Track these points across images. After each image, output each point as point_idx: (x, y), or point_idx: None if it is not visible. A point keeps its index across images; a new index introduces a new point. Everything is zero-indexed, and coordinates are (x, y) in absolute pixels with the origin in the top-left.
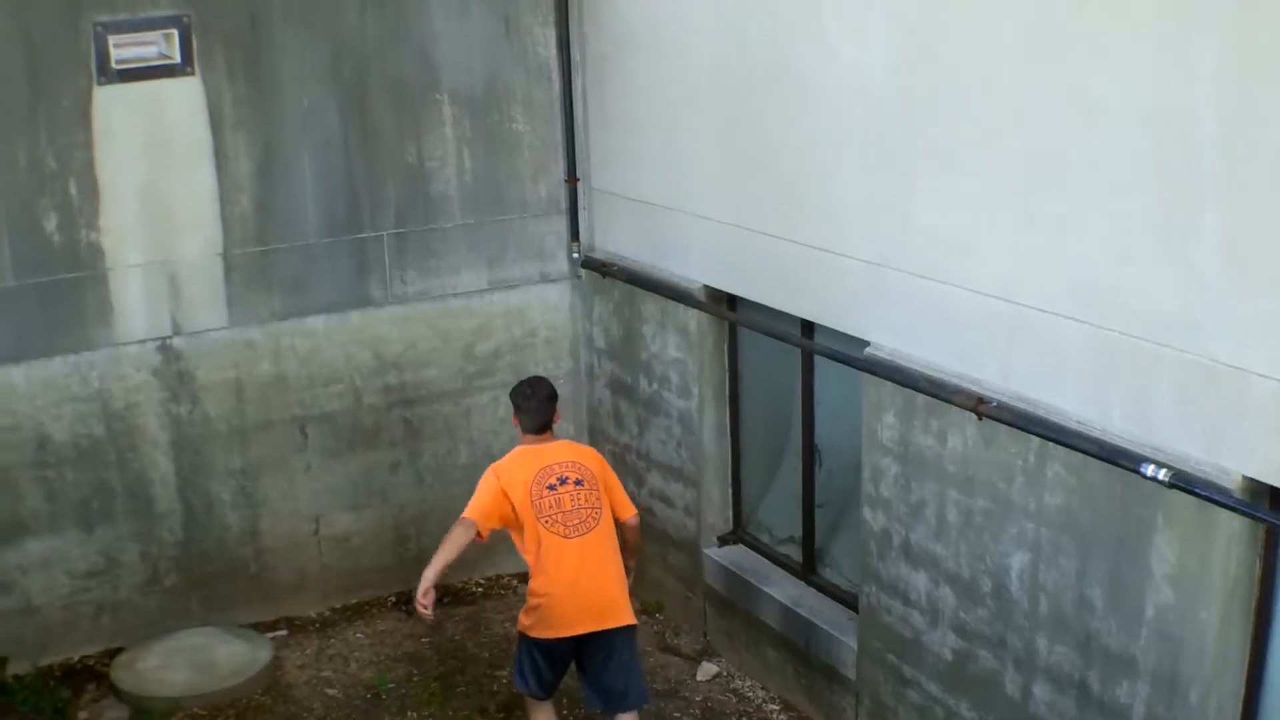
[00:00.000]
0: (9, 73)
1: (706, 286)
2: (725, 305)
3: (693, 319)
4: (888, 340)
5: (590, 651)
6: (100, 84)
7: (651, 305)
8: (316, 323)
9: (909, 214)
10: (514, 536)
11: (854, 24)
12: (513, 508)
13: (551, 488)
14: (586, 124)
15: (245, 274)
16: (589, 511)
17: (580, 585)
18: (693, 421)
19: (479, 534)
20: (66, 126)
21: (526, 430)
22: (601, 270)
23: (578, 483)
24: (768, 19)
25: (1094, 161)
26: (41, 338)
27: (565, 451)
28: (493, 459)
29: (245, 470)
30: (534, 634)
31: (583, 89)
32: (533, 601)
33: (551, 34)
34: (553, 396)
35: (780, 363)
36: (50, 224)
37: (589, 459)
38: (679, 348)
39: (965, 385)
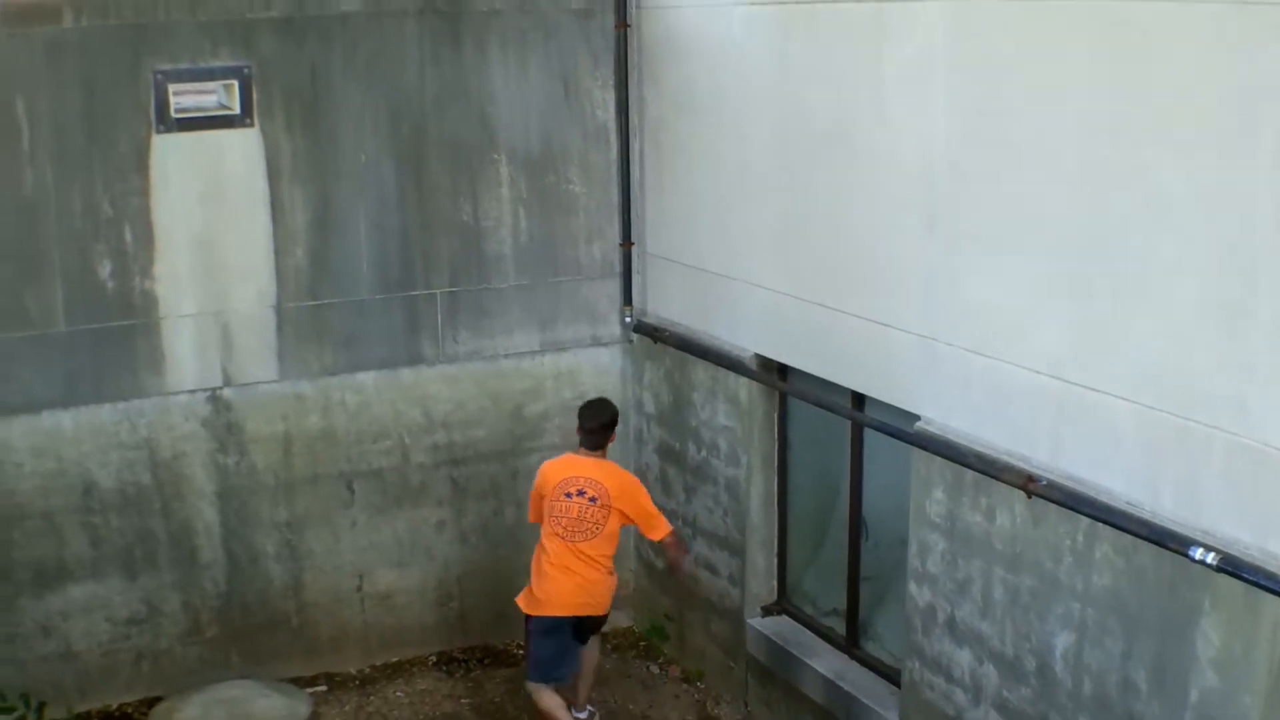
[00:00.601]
0: (68, 117)
1: (758, 355)
2: (776, 374)
3: (743, 387)
4: (938, 415)
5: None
6: (159, 132)
7: (702, 372)
8: (367, 379)
9: (964, 289)
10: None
11: (916, 97)
12: (540, 499)
13: (569, 495)
14: (643, 188)
15: (297, 327)
16: (590, 525)
17: (551, 575)
18: (740, 490)
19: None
20: (124, 173)
21: (580, 444)
22: (653, 335)
23: (591, 499)
24: (830, 90)
25: (1151, 242)
26: (92, 384)
27: (596, 470)
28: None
29: (290, 524)
30: (527, 610)
31: (640, 153)
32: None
33: (611, 97)
34: (608, 425)
35: (830, 434)
36: (104, 270)
37: (613, 483)
38: (729, 415)
39: (1015, 462)
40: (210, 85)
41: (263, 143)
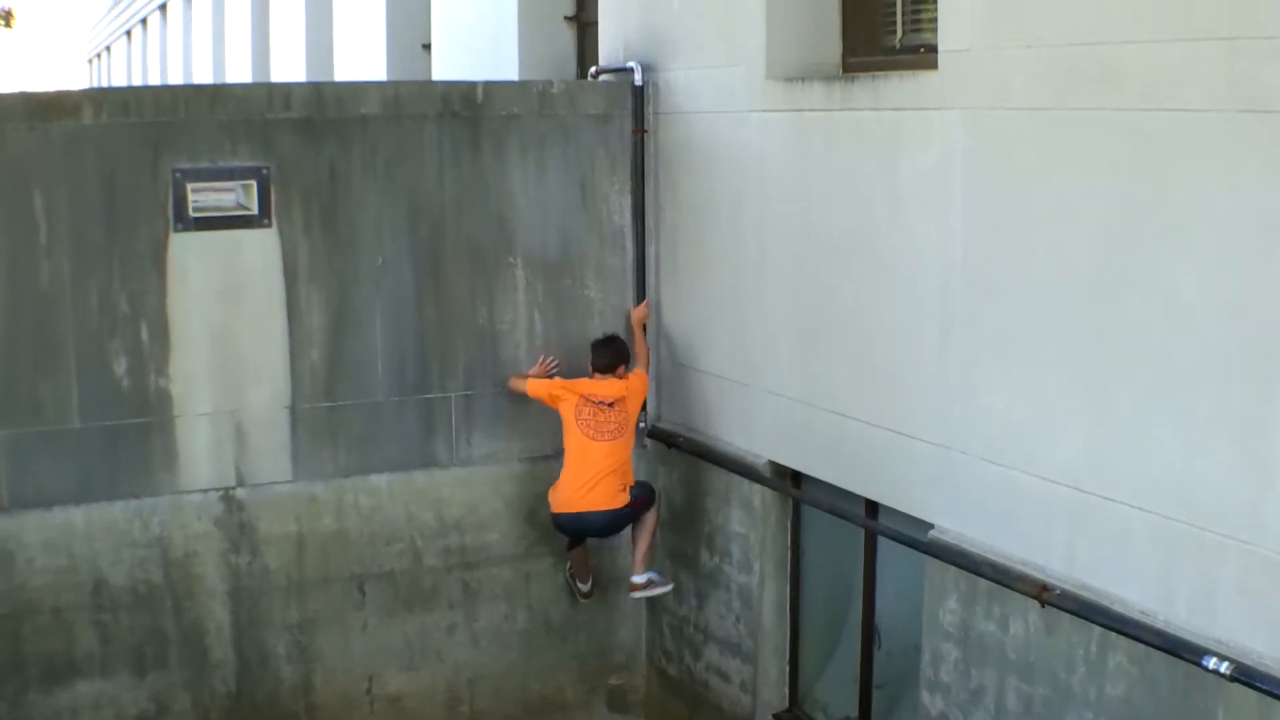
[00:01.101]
0: (87, 213)
1: (772, 462)
2: (790, 481)
3: (757, 494)
4: (952, 523)
5: (583, 533)
6: (177, 230)
7: (716, 478)
8: (380, 481)
9: (980, 398)
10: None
11: (934, 206)
12: (554, 398)
13: (594, 403)
14: (658, 293)
15: (312, 428)
16: (615, 427)
17: (585, 476)
18: (753, 596)
19: (526, 386)
20: (141, 270)
21: (595, 368)
22: (667, 441)
23: (611, 405)
24: (848, 197)
25: (1169, 352)
26: (105, 481)
27: (616, 386)
28: (550, 626)
29: (301, 625)
30: (553, 509)
31: (656, 258)
32: (559, 478)
33: (627, 201)
34: (619, 355)
35: (843, 541)
36: (120, 367)
37: (632, 390)
38: (742, 522)
39: (1029, 572)
40: (229, 184)
41: (280, 243)
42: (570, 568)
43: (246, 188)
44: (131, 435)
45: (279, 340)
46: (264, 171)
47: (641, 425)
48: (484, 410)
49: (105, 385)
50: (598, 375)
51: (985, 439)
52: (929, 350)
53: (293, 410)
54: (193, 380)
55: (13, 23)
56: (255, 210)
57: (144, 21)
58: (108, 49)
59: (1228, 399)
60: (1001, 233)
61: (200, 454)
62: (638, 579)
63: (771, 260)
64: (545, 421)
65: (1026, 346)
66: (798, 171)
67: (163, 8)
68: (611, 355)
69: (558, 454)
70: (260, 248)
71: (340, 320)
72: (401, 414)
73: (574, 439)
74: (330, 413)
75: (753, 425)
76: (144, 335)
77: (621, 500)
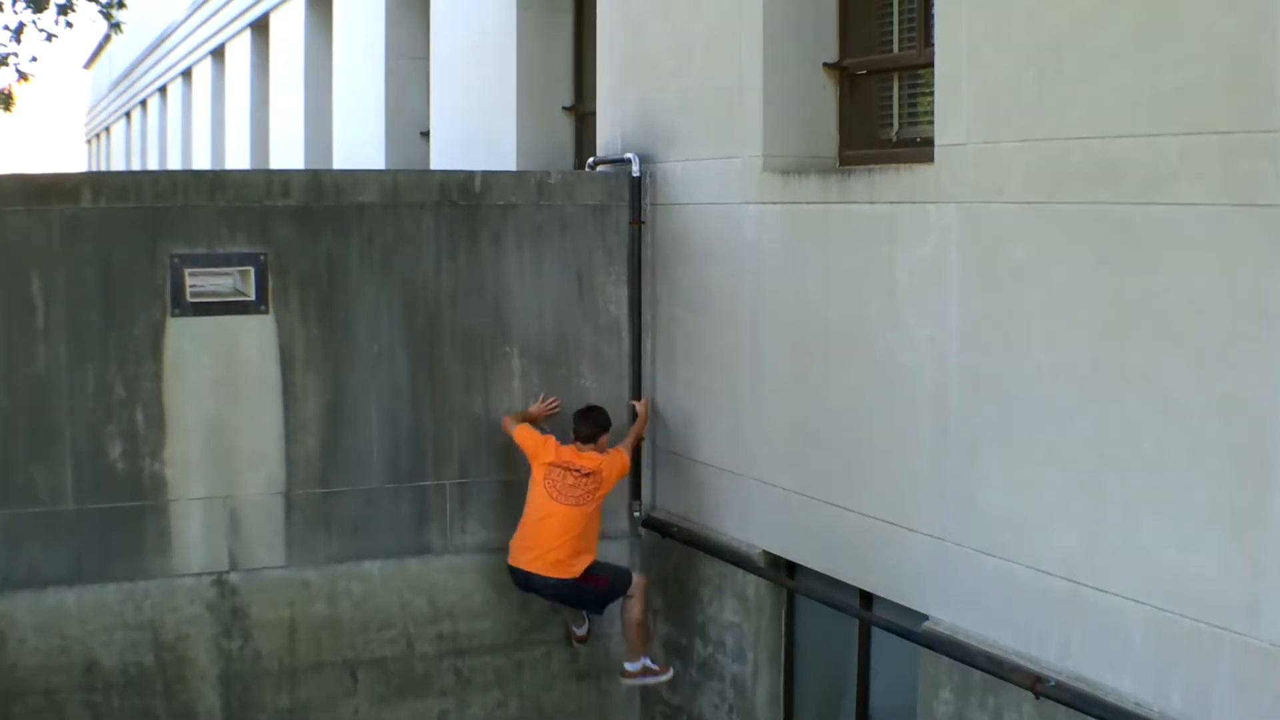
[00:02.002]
0: (84, 297)
1: (766, 553)
2: (785, 572)
3: (751, 584)
4: (947, 615)
5: (530, 590)
6: (174, 315)
7: (710, 568)
8: (374, 567)
9: (975, 490)
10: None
11: (929, 299)
12: (534, 452)
13: (564, 469)
14: (654, 384)
15: (306, 514)
16: (581, 495)
17: (533, 537)
18: (746, 687)
19: (515, 430)
20: (137, 355)
21: (576, 436)
22: (662, 530)
23: (586, 475)
24: (844, 289)
25: (1163, 446)
26: (97, 563)
27: (595, 461)
28: (543, 714)
29: (293, 710)
30: (509, 560)
31: (652, 349)
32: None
33: (624, 292)
34: (599, 424)
35: (837, 632)
36: (115, 451)
37: (607, 466)
38: (736, 612)
39: (1024, 663)
40: (227, 271)
41: (277, 330)
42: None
43: (244, 274)
44: (125, 518)
45: (274, 426)
46: (262, 258)
47: (636, 514)
48: (478, 498)
49: (100, 468)
50: (579, 445)
51: (981, 531)
52: (925, 442)
53: (287, 496)
54: (187, 465)
55: (13, 106)
56: (253, 296)
57: (143, 104)
58: (107, 130)
59: (1221, 493)
60: (997, 326)
61: (194, 538)
62: (630, 666)
63: (767, 351)
64: None
65: (1022, 440)
66: (794, 263)
67: (162, 90)
68: (592, 425)
69: None
70: (257, 334)
71: (336, 407)
72: (396, 501)
73: (537, 496)
74: (324, 499)
75: (748, 515)
76: (139, 419)
77: (573, 572)
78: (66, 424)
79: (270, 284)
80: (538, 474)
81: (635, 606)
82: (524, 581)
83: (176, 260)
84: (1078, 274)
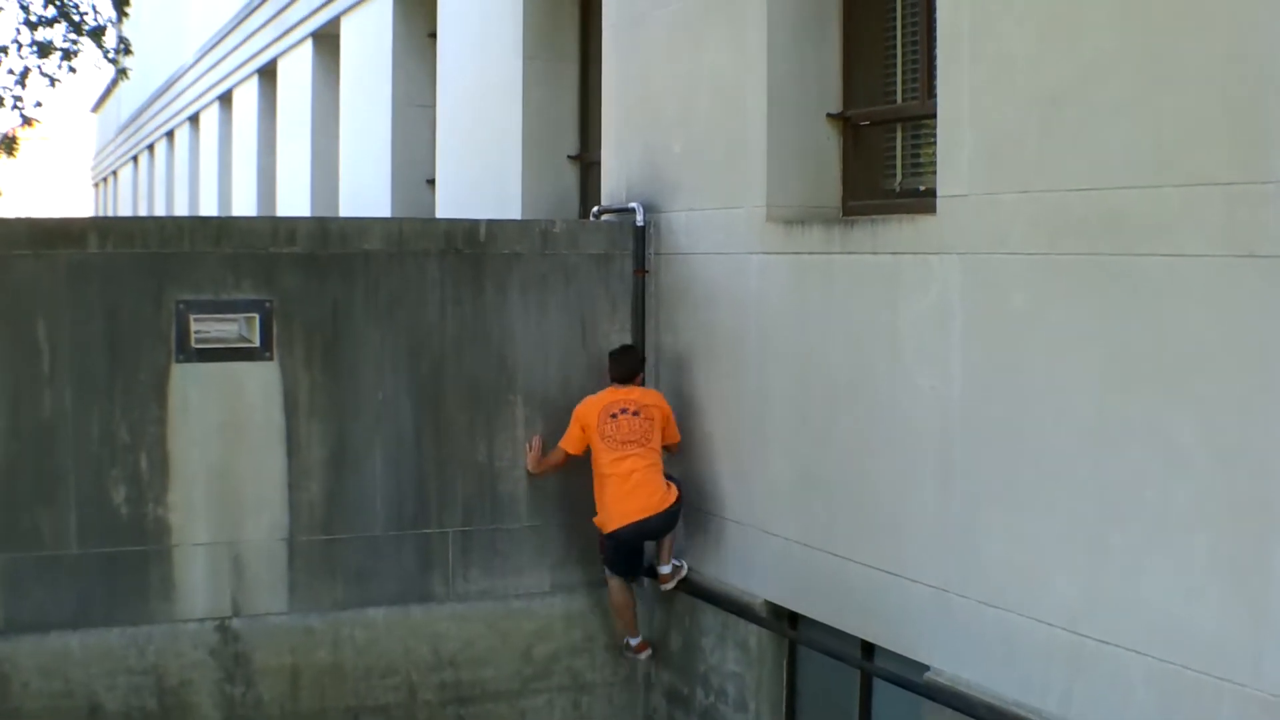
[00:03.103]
0: (90, 343)
1: (768, 602)
2: (787, 622)
3: (753, 634)
4: (949, 665)
5: (643, 539)
6: (179, 361)
7: (712, 617)
8: (377, 614)
9: (977, 541)
10: (592, 462)
11: (932, 349)
12: (583, 431)
13: (614, 415)
14: None
15: (309, 561)
16: (639, 432)
17: (625, 487)
18: None
19: (565, 456)
20: (142, 400)
21: (613, 378)
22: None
23: (635, 413)
24: (847, 339)
25: (1166, 497)
26: (101, 607)
27: (635, 394)
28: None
29: None
30: (606, 529)
31: None
32: (599, 504)
33: (627, 340)
34: (637, 360)
35: (839, 682)
36: (119, 495)
37: (652, 400)
38: (738, 661)
39: (1025, 714)
40: (232, 317)
41: (281, 376)
42: (624, 639)
43: (249, 320)
44: (129, 563)
45: (278, 472)
46: (267, 305)
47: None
48: (482, 546)
49: (104, 513)
50: (616, 385)
51: (982, 581)
52: (927, 492)
53: (290, 542)
54: (191, 510)
55: (17, 151)
56: (257, 343)
57: (151, 148)
58: (114, 174)
59: (1224, 543)
60: (1000, 376)
61: (197, 583)
62: (664, 569)
63: (771, 401)
64: (543, 558)
65: (1025, 490)
66: (797, 313)
67: (170, 135)
68: (628, 366)
69: (555, 590)
70: (261, 380)
71: (340, 454)
72: (399, 548)
73: (605, 457)
74: (328, 546)
75: (750, 565)
76: (144, 464)
77: (671, 497)
78: (71, 468)
79: (275, 330)
80: (595, 439)
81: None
82: (637, 533)
83: (182, 306)
84: (1080, 324)
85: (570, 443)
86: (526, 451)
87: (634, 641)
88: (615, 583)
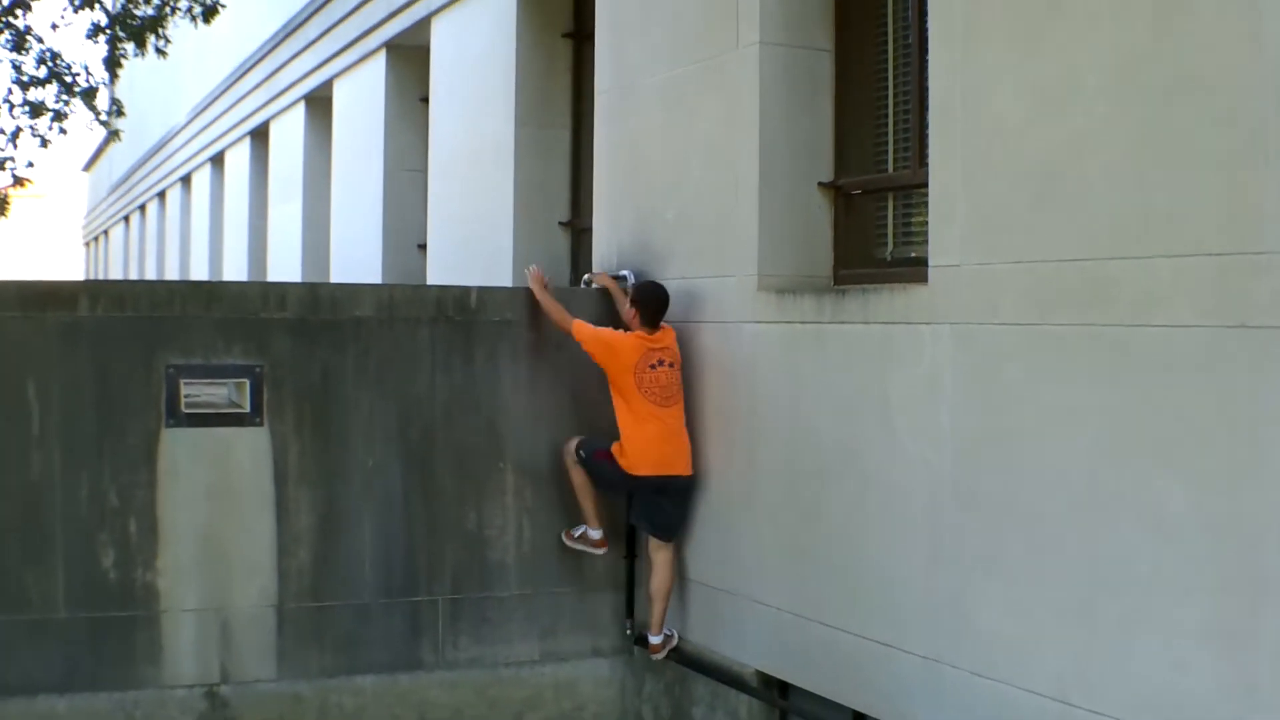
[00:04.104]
0: (80, 406)
1: (759, 672)
2: (777, 692)
3: (743, 703)
4: None
5: (659, 493)
6: (169, 425)
7: (702, 687)
8: (365, 682)
9: (968, 611)
10: (615, 399)
11: (923, 419)
12: (609, 365)
13: (653, 366)
14: None
15: (298, 627)
16: (674, 389)
17: (659, 438)
18: None
19: (569, 329)
20: (132, 464)
21: (644, 321)
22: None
23: (670, 365)
24: (839, 408)
25: (1157, 567)
26: (89, 671)
27: (665, 339)
28: None
29: None
30: (635, 471)
31: None
32: (628, 447)
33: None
34: (665, 299)
35: None
36: (107, 560)
37: (676, 345)
38: None
39: None
40: (222, 382)
41: (271, 442)
42: (576, 526)
43: (239, 386)
44: (117, 627)
45: (267, 539)
46: (257, 370)
47: (629, 632)
48: (471, 614)
49: (92, 577)
50: (646, 330)
51: (974, 652)
52: (918, 562)
53: (279, 609)
54: (180, 575)
55: (8, 211)
56: (248, 409)
57: (142, 208)
58: (105, 233)
59: (1214, 613)
60: (991, 447)
61: (185, 649)
62: (655, 639)
63: (761, 469)
64: (533, 626)
65: (1015, 560)
66: (788, 381)
67: (161, 195)
68: (660, 304)
69: (545, 659)
70: (251, 446)
71: (329, 521)
72: (388, 615)
73: (646, 405)
74: (317, 612)
75: (741, 634)
76: (133, 528)
77: (692, 466)
78: (59, 531)
79: (265, 396)
80: (627, 379)
81: (672, 566)
82: (659, 487)
83: (172, 370)
84: (1071, 395)
85: (590, 338)
86: (530, 272)
87: (596, 535)
88: (581, 475)
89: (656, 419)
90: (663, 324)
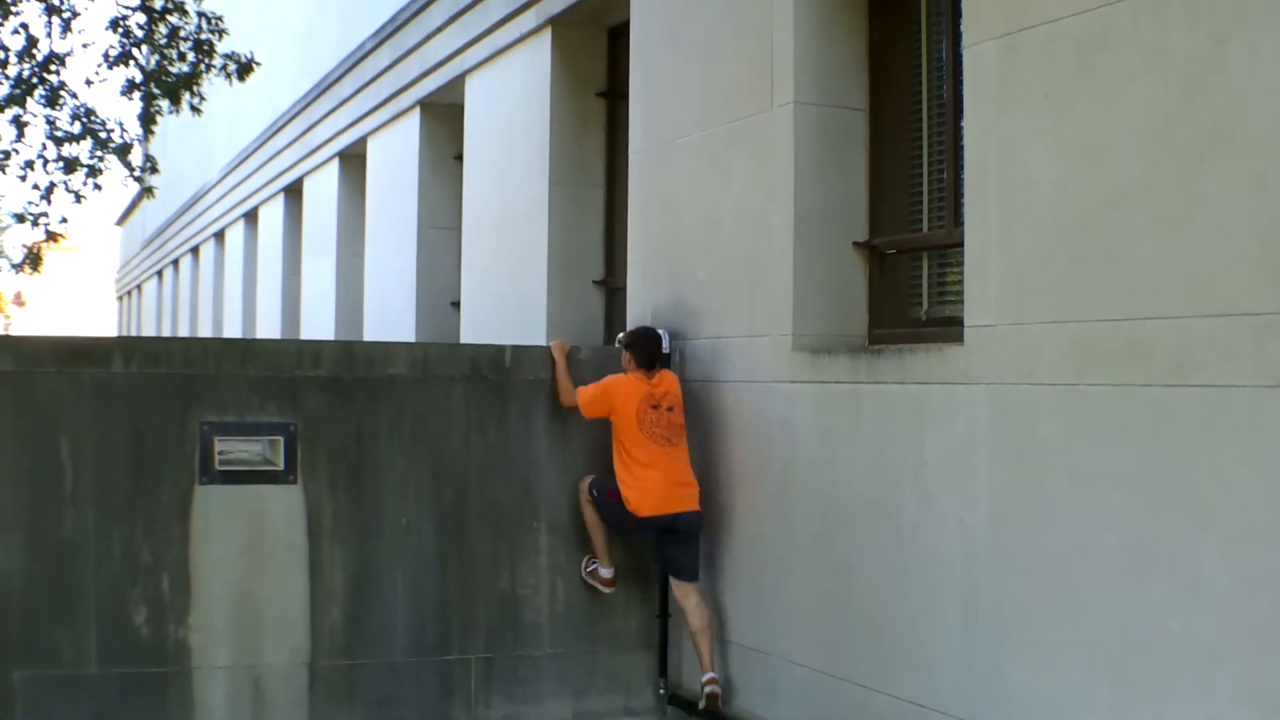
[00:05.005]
0: (113, 462)
1: None
2: None
3: None
4: None
5: (670, 533)
6: (202, 482)
7: None
8: None
9: (1003, 672)
10: (615, 449)
11: (958, 479)
12: (611, 411)
13: (655, 407)
14: None
15: (330, 686)
16: (676, 429)
17: (668, 480)
18: None
19: (574, 404)
20: (165, 521)
21: (639, 365)
22: (687, 708)
23: (670, 409)
24: (873, 469)
25: (1191, 628)
26: None
27: (665, 384)
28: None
29: None
30: (641, 514)
31: None
32: (628, 490)
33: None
34: (659, 345)
35: None
36: (139, 616)
37: (676, 389)
38: None
39: None
40: (256, 439)
41: (305, 500)
42: (591, 560)
43: (273, 443)
44: (149, 684)
45: (300, 596)
46: (291, 428)
47: (661, 692)
48: (504, 673)
49: (124, 633)
50: (643, 373)
51: (1008, 713)
52: (953, 622)
53: (311, 667)
54: (212, 632)
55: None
56: (281, 466)
57: (175, 263)
58: (138, 288)
59: (1249, 674)
60: (1026, 507)
61: (217, 707)
62: (707, 676)
63: (795, 529)
64: (565, 686)
65: (1050, 620)
66: (823, 441)
67: (195, 250)
68: (654, 350)
69: (578, 718)
70: (285, 503)
71: (362, 579)
72: (420, 674)
73: (640, 446)
74: (349, 671)
75: (774, 694)
76: (165, 585)
77: (698, 501)
78: (92, 587)
79: (299, 454)
80: (629, 422)
81: (706, 602)
82: (668, 526)
83: (206, 428)
84: (1107, 455)
85: (589, 402)
86: (554, 344)
87: (607, 574)
88: (593, 513)
89: (657, 463)
90: (661, 369)
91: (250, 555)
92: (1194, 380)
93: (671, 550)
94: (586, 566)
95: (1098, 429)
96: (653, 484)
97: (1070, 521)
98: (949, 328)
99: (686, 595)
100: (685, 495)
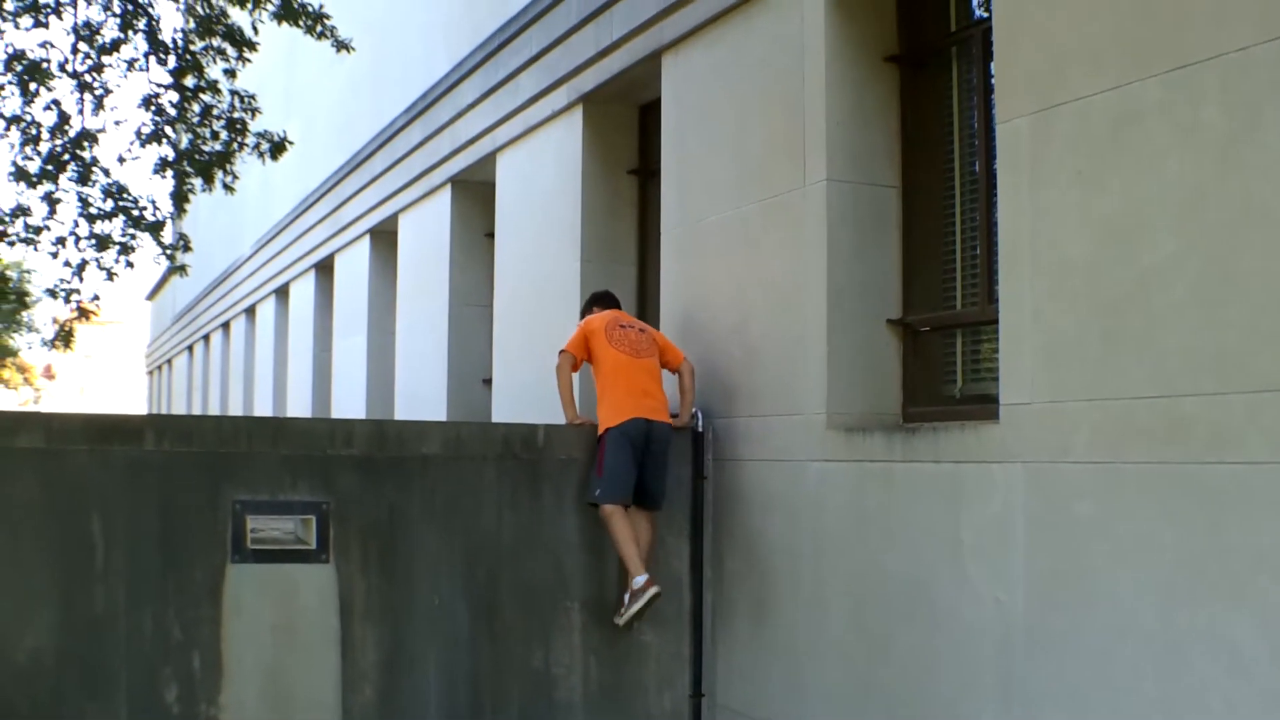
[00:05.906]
0: (144, 540)
1: None
2: None
3: None
4: None
5: (647, 453)
6: (234, 561)
7: None
8: None
9: None
10: (595, 376)
11: (994, 558)
12: (587, 337)
13: (622, 326)
14: (714, 640)
15: None
16: (645, 346)
17: (637, 387)
18: None
19: (575, 363)
20: (196, 599)
21: (604, 309)
22: None
23: (640, 330)
24: (909, 552)
25: (1231, 705)
26: None
27: (631, 317)
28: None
29: None
30: (615, 422)
31: (712, 605)
32: (603, 408)
33: (686, 547)
34: (613, 295)
35: None
36: (170, 694)
37: (650, 326)
38: None
39: None
40: (289, 518)
41: (337, 579)
42: (620, 603)
43: (305, 522)
44: None
45: (332, 676)
46: (324, 507)
47: None
48: None
49: (155, 711)
50: (615, 310)
51: None
52: (989, 702)
53: None
54: (243, 711)
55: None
56: (314, 545)
57: (206, 338)
58: (169, 363)
59: None
60: (1063, 586)
61: None
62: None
63: (829, 608)
64: None
65: (1088, 701)
66: (857, 521)
67: (225, 326)
68: (614, 297)
69: None
70: (317, 583)
71: (394, 658)
72: None
73: (609, 358)
74: None
75: None
76: (196, 664)
77: (668, 414)
78: (123, 665)
79: (332, 533)
80: (600, 344)
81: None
82: (644, 432)
83: (238, 506)
84: (1144, 532)
85: (571, 344)
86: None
87: (640, 580)
88: (613, 510)
89: (624, 369)
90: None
91: (282, 634)
92: (1231, 457)
93: (646, 475)
94: (621, 610)
95: (1135, 506)
96: (622, 389)
97: (1109, 601)
98: (983, 405)
99: (644, 520)
100: (653, 406)
